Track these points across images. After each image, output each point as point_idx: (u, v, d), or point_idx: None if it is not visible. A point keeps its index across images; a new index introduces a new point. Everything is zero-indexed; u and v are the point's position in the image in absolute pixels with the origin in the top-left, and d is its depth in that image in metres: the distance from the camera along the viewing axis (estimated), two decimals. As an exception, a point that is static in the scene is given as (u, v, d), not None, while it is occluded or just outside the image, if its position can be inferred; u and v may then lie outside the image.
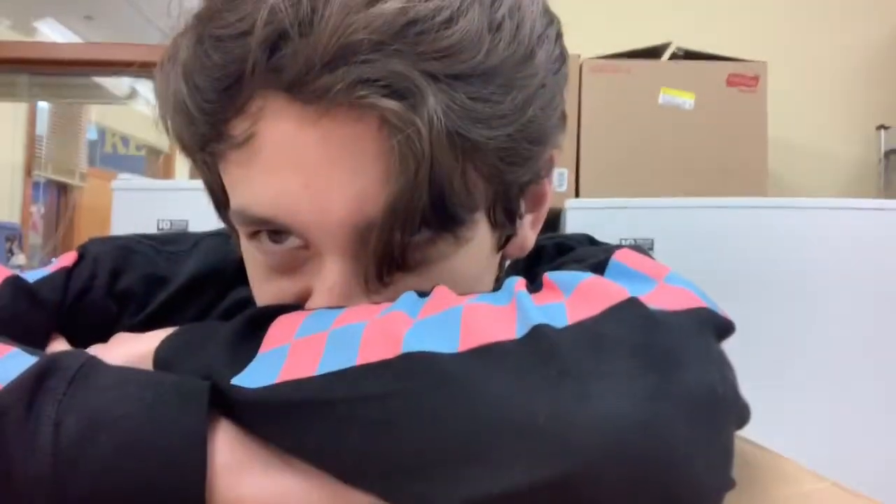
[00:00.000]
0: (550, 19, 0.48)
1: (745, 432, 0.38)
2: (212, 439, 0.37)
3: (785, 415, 1.41)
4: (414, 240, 0.42)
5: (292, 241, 0.44)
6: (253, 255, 0.47)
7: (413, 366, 0.34)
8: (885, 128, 2.33)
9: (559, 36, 0.49)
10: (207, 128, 0.43)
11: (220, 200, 0.49)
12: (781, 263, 1.52)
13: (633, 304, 0.35)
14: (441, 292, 0.40)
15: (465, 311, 0.37)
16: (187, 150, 0.47)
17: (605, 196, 1.66)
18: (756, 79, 1.87)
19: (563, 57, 0.49)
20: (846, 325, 1.49)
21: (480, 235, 0.46)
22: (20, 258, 3.46)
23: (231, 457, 0.37)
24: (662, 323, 0.35)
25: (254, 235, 0.45)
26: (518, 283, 0.39)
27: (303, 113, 0.40)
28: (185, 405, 0.37)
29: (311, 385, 0.36)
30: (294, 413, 0.36)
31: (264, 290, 0.47)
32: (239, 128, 0.42)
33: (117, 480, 0.35)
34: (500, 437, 0.31)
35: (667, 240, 1.53)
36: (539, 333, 0.34)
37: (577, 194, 1.85)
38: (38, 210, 5.99)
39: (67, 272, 0.60)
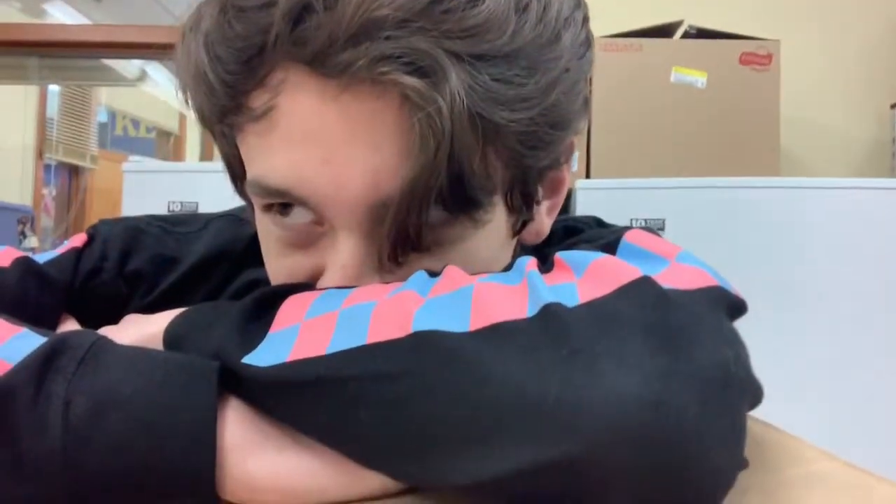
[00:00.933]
0: (577, 2, 0.47)
1: (756, 412, 0.38)
2: (222, 418, 0.37)
3: (794, 393, 1.41)
4: (430, 220, 0.42)
5: (304, 216, 0.44)
6: (267, 229, 0.47)
7: (423, 344, 0.34)
8: (900, 106, 2.31)
9: (586, 20, 0.48)
10: (227, 99, 0.43)
11: (237, 173, 0.49)
12: (794, 243, 1.51)
13: (645, 283, 0.35)
14: (452, 272, 0.39)
15: (475, 290, 0.36)
16: (206, 121, 0.47)
17: (616, 176, 1.65)
18: (769, 57, 1.86)
19: (588, 41, 0.48)
20: (857, 304, 1.49)
21: (497, 219, 0.46)
22: (32, 240, 3.47)
23: (241, 435, 0.37)
24: (675, 301, 0.34)
25: (268, 208, 0.45)
26: (529, 262, 0.39)
27: (324, 87, 0.40)
28: (194, 384, 0.37)
29: (322, 363, 0.36)
30: (304, 391, 0.36)
31: (278, 265, 0.47)
32: (259, 100, 0.42)
33: (128, 459, 0.35)
34: (510, 416, 0.31)
35: (678, 220, 1.53)
36: (550, 312, 0.33)
37: (587, 175, 1.84)
38: (49, 192, 6.01)
39: (77, 253, 0.60)
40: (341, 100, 0.40)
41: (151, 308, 0.52)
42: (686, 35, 1.99)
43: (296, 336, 0.38)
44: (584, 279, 0.36)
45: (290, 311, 0.40)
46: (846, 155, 2.37)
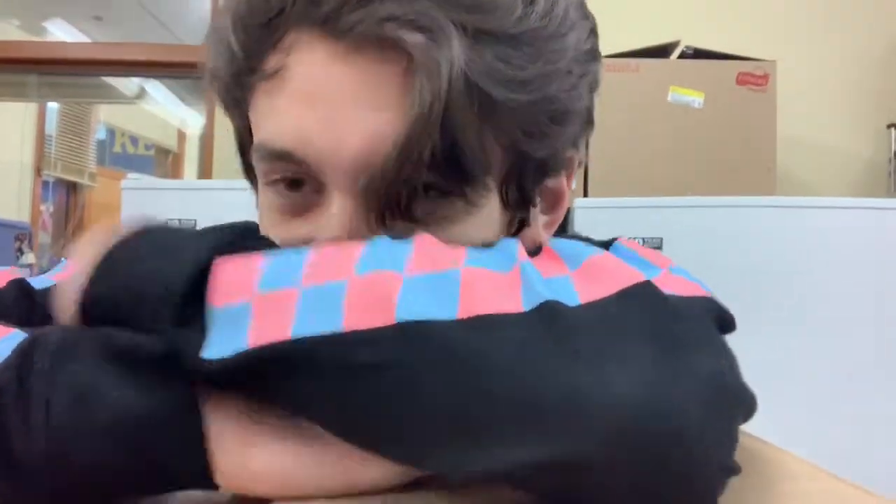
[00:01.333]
0: (585, 14, 0.49)
1: (752, 428, 0.38)
2: (207, 407, 0.37)
3: (792, 413, 1.40)
4: (423, 186, 0.42)
5: (307, 186, 0.45)
6: (269, 202, 0.48)
7: (411, 335, 0.33)
8: (896, 127, 2.32)
9: (591, 33, 0.50)
10: (244, 62, 0.45)
11: (246, 146, 0.50)
12: (790, 263, 1.51)
13: (648, 288, 0.35)
14: (425, 243, 0.38)
15: (463, 275, 0.35)
16: (221, 92, 0.49)
17: (614, 195, 1.66)
18: (766, 77, 1.87)
19: (594, 54, 0.50)
20: (855, 324, 1.49)
21: (490, 207, 0.46)
22: (30, 257, 3.47)
23: (226, 425, 0.37)
24: (676, 309, 0.34)
25: (272, 184, 0.46)
26: (519, 249, 0.38)
27: (333, 48, 0.42)
28: (171, 381, 0.36)
29: (294, 349, 0.34)
30: (277, 376, 0.34)
31: (275, 234, 0.48)
32: (272, 61, 0.44)
33: (113, 455, 0.35)
34: (510, 413, 0.31)
35: (676, 239, 1.53)
36: (551, 310, 0.33)
37: (585, 193, 1.85)
38: (47, 209, 6.01)
39: None
40: (348, 60, 0.42)
41: None
42: (683, 55, 2.00)
43: (249, 316, 0.35)
44: (580, 275, 0.36)
45: (234, 280, 0.37)
46: (842, 175, 2.38)
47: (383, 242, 0.38)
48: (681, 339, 0.33)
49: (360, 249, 0.37)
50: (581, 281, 0.35)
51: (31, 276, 0.58)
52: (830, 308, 1.50)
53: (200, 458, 0.36)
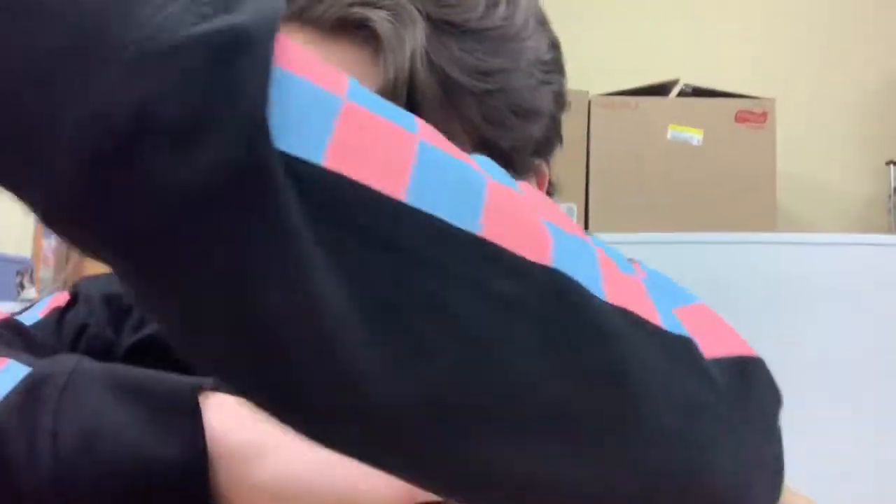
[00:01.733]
0: (545, 28, 0.52)
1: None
2: (210, 437, 0.37)
3: (789, 447, 1.39)
4: None
5: None
6: None
7: (565, 291, 0.26)
8: (895, 163, 2.33)
9: (553, 46, 0.52)
10: None
11: None
12: (791, 299, 1.51)
13: (762, 365, 0.35)
14: (534, 191, 0.31)
15: (599, 255, 0.29)
16: None
17: (614, 231, 1.66)
18: (764, 115, 1.88)
19: (556, 66, 0.52)
20: (856, 360, 1.48)
21: None
22: (31, 292, 3.46)
23: (230, 454, 0.37)
24: (773, 394, 0.36)
25: None
26: (631, 260, 0.34)
27: (310, 36, 0.46)
28: (178, 420, 0.37)
29: (405, 220, 0.23)
30: (346, 226, 0.23)
31: None
32: None
33: (116, 491, 0.35)
34: (647, 418, 0.27)
35: (675, 275, 1.53)
36: (691, 346, 0.30)
37: (585, 229, 1.85)
38: (49, 243, 6.02)
39: (60, 313, 0.60)
40: (323, 46, 0.45)
41: (141, 347, 0.53)
42: (682, 94, 2.01)
43: (333, 119, 0.23)
44: (686, 318, 0.32)
45: (316, 62, 0.25)
46: (842, 211, 2.39)
47: (489, 160, 0.29)
48: (772, 427, 0.35)
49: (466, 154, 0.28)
50: (689, 325, 0.31)
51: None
52: (830, 344, 1.49)
53: (206, 496, 0.36)
